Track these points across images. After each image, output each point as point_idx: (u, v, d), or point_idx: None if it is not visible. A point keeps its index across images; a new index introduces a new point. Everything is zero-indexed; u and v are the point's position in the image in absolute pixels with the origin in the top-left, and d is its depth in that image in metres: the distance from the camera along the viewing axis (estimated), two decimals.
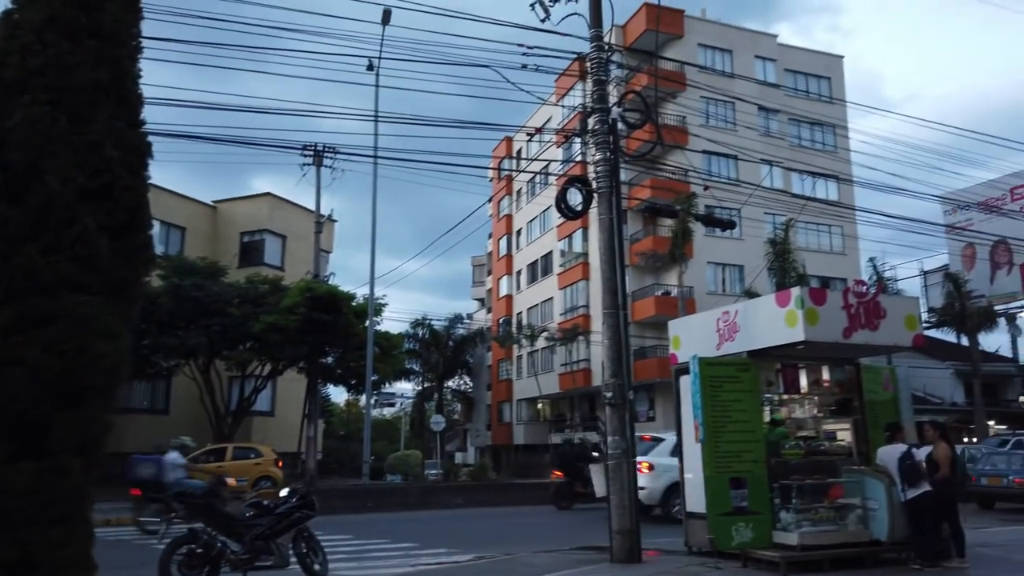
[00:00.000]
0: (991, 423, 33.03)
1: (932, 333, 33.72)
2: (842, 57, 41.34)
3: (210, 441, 23.74)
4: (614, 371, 10.09)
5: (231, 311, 22.40)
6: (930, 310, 35.22)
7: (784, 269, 28.59)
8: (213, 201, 32.57)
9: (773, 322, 9.72)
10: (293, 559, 8.17)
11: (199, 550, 7.53)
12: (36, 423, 3.70)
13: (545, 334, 39.24)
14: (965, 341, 33.70)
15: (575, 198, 11.34)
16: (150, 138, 4.39)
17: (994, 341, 54.13)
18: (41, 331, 3.69)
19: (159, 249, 19.74)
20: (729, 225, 14.46)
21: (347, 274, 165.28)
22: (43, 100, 3.90)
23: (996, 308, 35.65)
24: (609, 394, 9.97)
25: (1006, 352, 39.81)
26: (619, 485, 9.66)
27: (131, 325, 4.12)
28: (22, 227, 3.76)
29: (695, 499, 9.74)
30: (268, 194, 33.06)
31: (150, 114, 4.40)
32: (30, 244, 3.75)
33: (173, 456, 13.57)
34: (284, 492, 8.72)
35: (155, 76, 9.88)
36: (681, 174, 26.74)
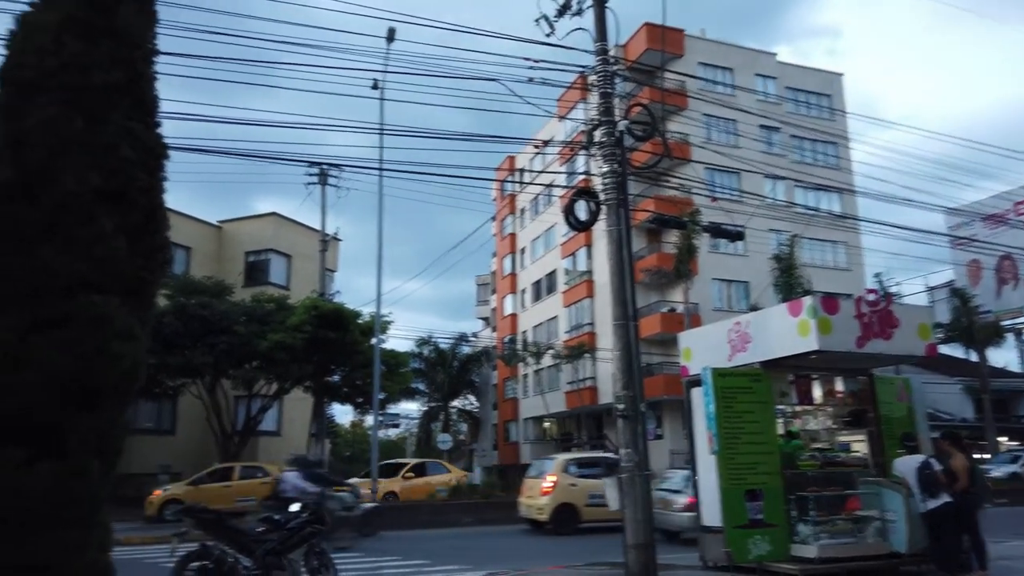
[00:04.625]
0: (1003, 439, 32.73)
1: (940, 349, 33.54)
2: (841, 75, 41.58)
3: (216, 461, 23.58)
4: (625, 383, 9.97)
5: (237, 329, 22.35)
6: (936, 325, 35.07)
7: (790, 285, 28.48)
8: (218, 221, 32.65)
9: (785, 332, 9.64)
10: (305, 575, 8.03)
11: (210, 566, 7.40)
12: (53, 425, 3.65)
13: (551, 352, 39.09)
14: (974, 356, 33.49)
15: (583, 211, 11.30)
16: None
17: (1002, 357, 53.82)
18: (57, 332, 3.64)
19: None
20: (738, 237, 14.42)
21: (352, 294, 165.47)
22: (59, 101, 3.89)
23: (1003, 323, 35.47)
24: (621, 406, 9.85)
25: (1015, 368, 39.57)
26: (633, 498, 9.52)
27: (148, 326, 4.08)
28: (38, 227, 3.73)
29: (710, 512, 9.60)
30: (273, 214, 33.13)
31: None
32: (46, 244, 3.71)
33: (292, 475, 13.72)
34: (295, 507, 8.60)
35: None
36: (685, 189, 26.77)
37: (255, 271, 31.34)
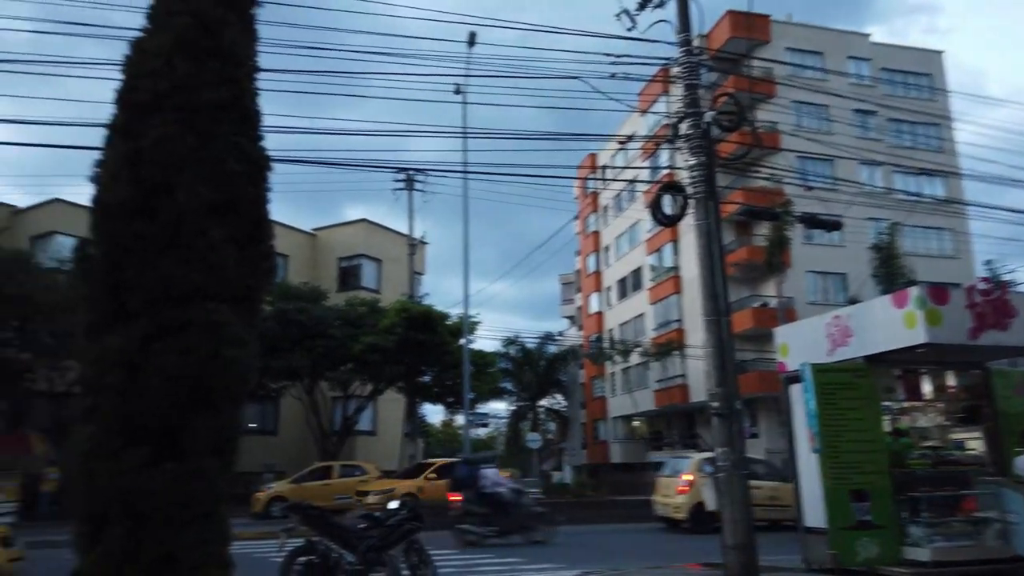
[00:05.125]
0: None
1: None
2: (942, 53, 39.25)
3: (316, 460, 24.47)
4: (719, 380, 9.75)
5: (332, 333, 23.16)
6: None
7: (891, 275, 27.18)
8: (312, 229, 33.89)
9: (890, 324, 9.20)
10: (404, 571, 8.23)
11: (316, 560, 7.70)
12: (173, 427, 3.87)
13: (638, 350, 38.61)
14: None
15: (669, 205, 11.11)
16: None
17: None
18: (176, 339, 3.87)
19: None
20: (834, 226, 13.83)
21: (439, 296, 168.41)
22: (172, 120, 4.13)
23: None
24: (715, 404, 9.65)
25: None
26: (731, 498, 9.31)
27: (256, 332, 4.27)
28: (157, 241, 3.97)
29: (812, 513, 9.27)
30: (363, 220, 34.10)
31: None
32: (164, 257, 3.95)
33: (492, 471, 14.44)
34: (393, 504, 8.83)
35: None
36: (776, 179, 25.93)
37: (348, 276, 32.36)
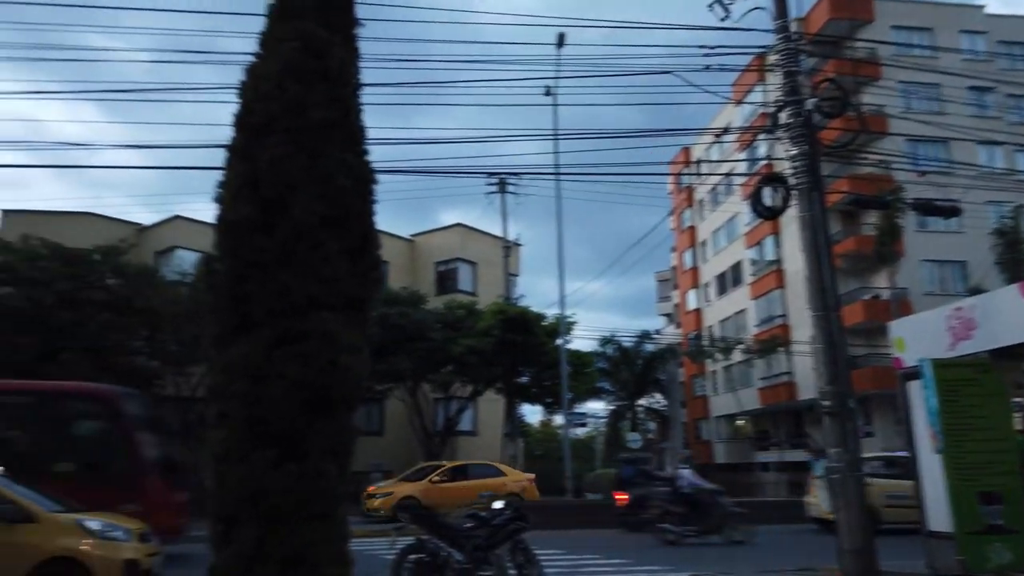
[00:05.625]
0: None
1: None
2: None
3: (421, 460, 25.09)
4: (830, 378, 9.39)
5: (432, 336, 23.71)
6: None
7: (1017, 262, 25.32)
8: (410, 235, 34.79)
9: (1019, 316, 8.58)
10: (511, 570, 8.33)
11: (426, 559, 7.92)
12: (295, 431, 4.09)
13: (740, 347, 37.53)
14: None
15: (770, 197, 10.77)
16: None
17: None
18: (296, 348, 4.09)
19: None
20: (952, 212, 13.02)
21: (534, 297, 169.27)
22: (285, 140, 4.37)
23: None
24: (827, 403, 9.29)
25: None
26: (846, 501, 8.94)
27: (368, 339, 4.46)
28: (276, 254, 4.21)
29: (936, 516, 8.76)
30: (458, 225, 34.71)
31: None
32: (283, 270, 4.18)
33: (688, 472, 14.93)
34: (498, 504, 8.96)
35: None
36: (884, 164, 24.63)
37: (444, 280, 33.01)
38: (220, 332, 4.26)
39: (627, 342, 43.13)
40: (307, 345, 4.06)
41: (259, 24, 4.72)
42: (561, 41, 20.20)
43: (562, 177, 20.09)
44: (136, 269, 21.75)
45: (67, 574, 7.23)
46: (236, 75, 4.90)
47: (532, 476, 20.80)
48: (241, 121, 4.59)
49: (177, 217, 28.50)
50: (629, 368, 42.68)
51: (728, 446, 43.92)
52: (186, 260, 24.29)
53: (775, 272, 37.10)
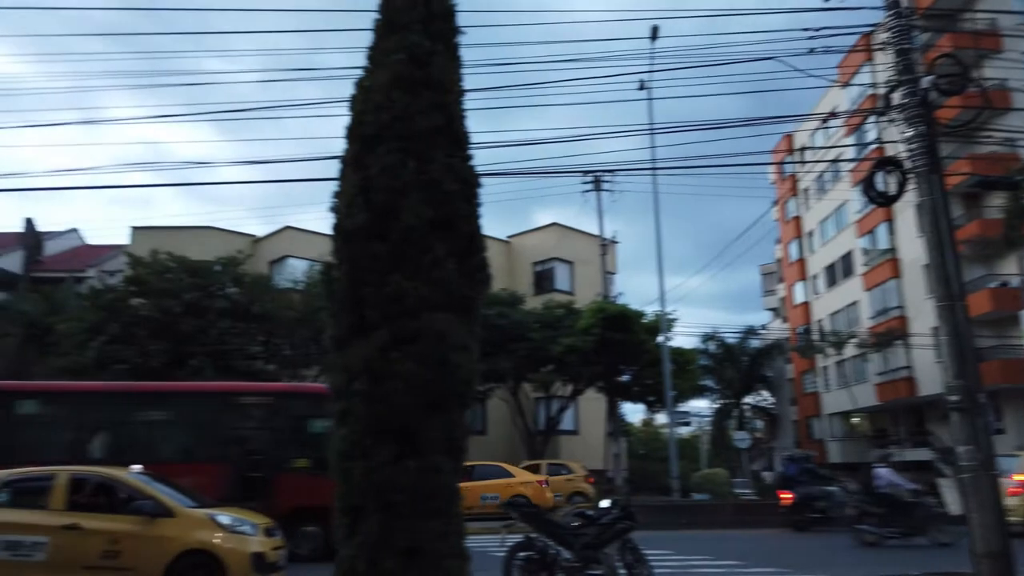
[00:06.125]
0: None
1: None
2: None
3: (524, 458, 25.31)
4: (957, 371, 8.84)
5: (532, 336, 23.86)
6: None
7: None
8: (506, 236, 35.15)
9: None
10: (621, 569, 8.30)
11: (536, 556, 8.00)
12: (411, 428, 4.24)
13: (854, 341, 35.77)
14: None
15: (884, 182, 10.25)
16: None
17: None
18: (410, 347, 4.24)
19: None
20: None
21: (632, 294, 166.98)
22: (394, 148, 4.53)
23: None
24: (954, 397, 8.76)
25: None
26: (979, 501, 8.40)
27: (476, 339, 4.56)
28: (388, 259, 4.38)
29: None
30: (554, 224, 34.78)
31: None
32: (396, 273, 4.34)
33: (885, 471, 15.16)
34: (605, 503, 8.94)
35: None
36: (1010, 142, 22.92)
37: (542, 280, 33.15)
38: (339, 334, 4.46)
39: (731, 338, 41.97)
40: (420, 345, 4.21)
41: (359, 40, 4.92)
42: (655, 34, 19.93)
43: (658, 172, 19.77)
44: (252, 278, 22.99)
45: (202, 565, 7.76)
46: (337, 89, 5.10)
47: (543, 478, 19.95)
48: (353, 132, 4.79)
49: (288, 228, 29.91)
50: (734, 365, 41.50)
51: (843, 445, 41.99)
52: (297, 268, 25.46)
53: (890, 261, 35.18)
